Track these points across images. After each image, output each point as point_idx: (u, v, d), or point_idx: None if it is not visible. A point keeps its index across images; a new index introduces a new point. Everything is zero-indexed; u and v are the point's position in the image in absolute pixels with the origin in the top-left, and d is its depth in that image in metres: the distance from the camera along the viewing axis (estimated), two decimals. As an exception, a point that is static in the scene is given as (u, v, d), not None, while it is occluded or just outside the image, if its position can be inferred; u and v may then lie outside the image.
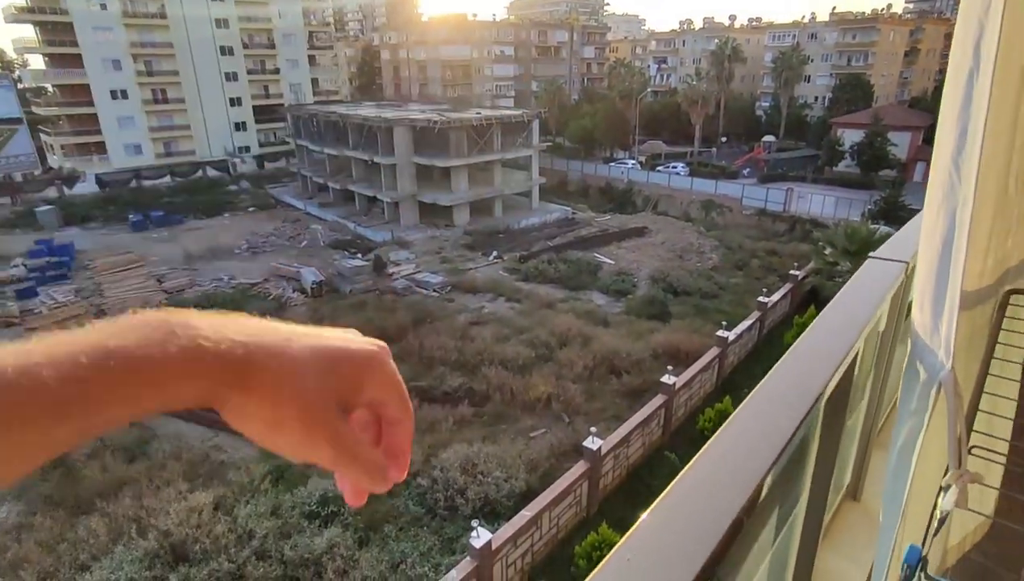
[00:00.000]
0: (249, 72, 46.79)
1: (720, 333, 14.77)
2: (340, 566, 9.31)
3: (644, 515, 0.78)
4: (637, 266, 24.06)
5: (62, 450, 0.34)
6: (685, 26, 78.27)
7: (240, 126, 46.65)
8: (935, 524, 0.92)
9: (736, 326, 15.61)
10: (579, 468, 10.41)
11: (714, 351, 14.49)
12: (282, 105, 45.78)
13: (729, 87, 50.17)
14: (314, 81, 51.46)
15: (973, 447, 1.01)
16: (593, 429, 10.79)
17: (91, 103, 39.83)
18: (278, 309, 20.31)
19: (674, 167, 41.27)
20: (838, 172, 39.48)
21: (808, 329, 1.20)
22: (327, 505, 10.73)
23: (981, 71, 0.81)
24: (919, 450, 0.92)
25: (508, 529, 9.03)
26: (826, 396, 1.29)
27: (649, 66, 66.51)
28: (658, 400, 12.44)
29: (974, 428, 1.08)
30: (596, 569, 0.66)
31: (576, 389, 14.49)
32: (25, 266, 23.86)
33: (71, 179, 37.57)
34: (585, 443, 10.54)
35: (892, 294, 1.44)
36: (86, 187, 37.76)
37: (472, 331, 17.93)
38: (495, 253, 25.90)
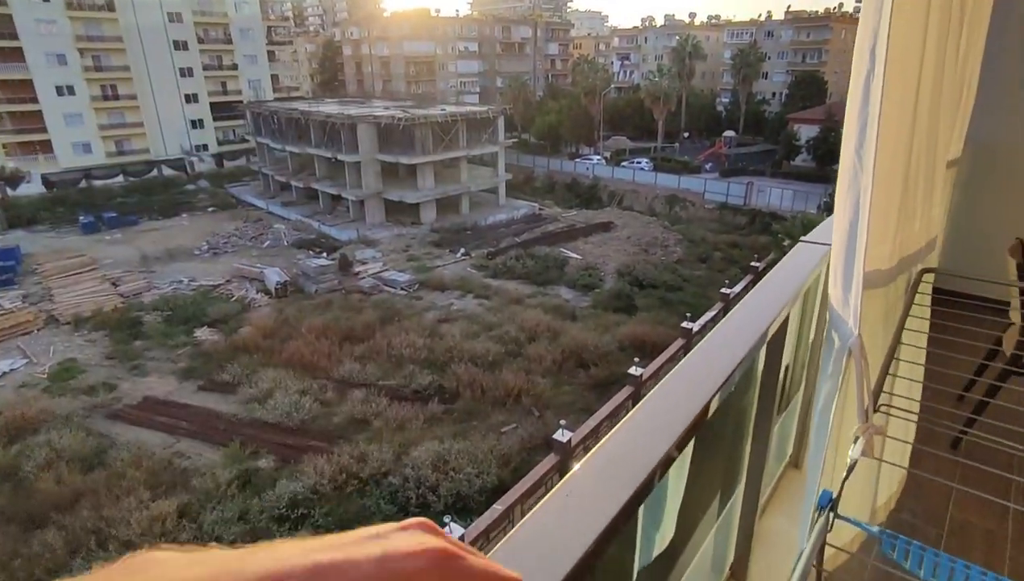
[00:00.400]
0: (205, 68, 45.34)
1: (684, 325, 15.09)
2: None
3: (582, 461, 0.86)
4: (603, 260, 24.36)
5: None
6: (647, 23, 79.27)
7: (197, 124, 45.21)
8: (846, 472, 1.01)
9: (700, 318, 15.98)
10: (549, 461, 10.51)
11: (679, 342, 14.78)
12: (241, 102, 44.59)
13: (690, 83, 51.07)
14: (274, 77, 50.26)
15: (883, 405, 1.10)
16: (563, 422, 10.92)
17: (35, 99, 38.00)
18: (241, 310, 19.86)
19: (638, 162, 41.84)
20: (795, 166, 40.65)
21: (738, 305, 1.30)
22: (297, 508, 10.60)
23: (875, 73, 0.90)
24: (835, 409, 1.02)
25: (480, 524, 9.07)
26: (760, 366, 1.39)
27: (612, 63, 67.19)
28: (625, 392, 12.65)
29: (888, 390, 1.18)
30: (539, 504, 0.73)
31: (545, 383, 14.63)
32: (-33, 272, 22.73)
33: (14, 179, 35.81)
34: (555, 436, 10.67)
35: (817, 274, 1.55)
36: (31, 188, 36.05)
37: (441, 328, 17.90)
38: (463, 250, 25.85)
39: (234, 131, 46.43)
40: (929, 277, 1.54)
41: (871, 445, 1.03)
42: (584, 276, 22.63)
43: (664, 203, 34.98)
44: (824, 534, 0.89)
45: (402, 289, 21.36)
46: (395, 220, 30.48)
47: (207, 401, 14.66)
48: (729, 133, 47.29)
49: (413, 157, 30.11)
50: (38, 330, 18.74)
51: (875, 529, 0.94)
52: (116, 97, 41.25)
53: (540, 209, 33.70)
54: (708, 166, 41.66)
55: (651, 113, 47.24)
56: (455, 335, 17.21)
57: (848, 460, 1.02)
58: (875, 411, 1.14)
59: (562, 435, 10.82)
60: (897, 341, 1.28)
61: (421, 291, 21.42)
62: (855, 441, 1.03)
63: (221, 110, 45.76)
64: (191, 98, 44.67)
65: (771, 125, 47.85)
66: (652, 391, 1.07)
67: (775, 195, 32.33)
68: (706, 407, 1.03)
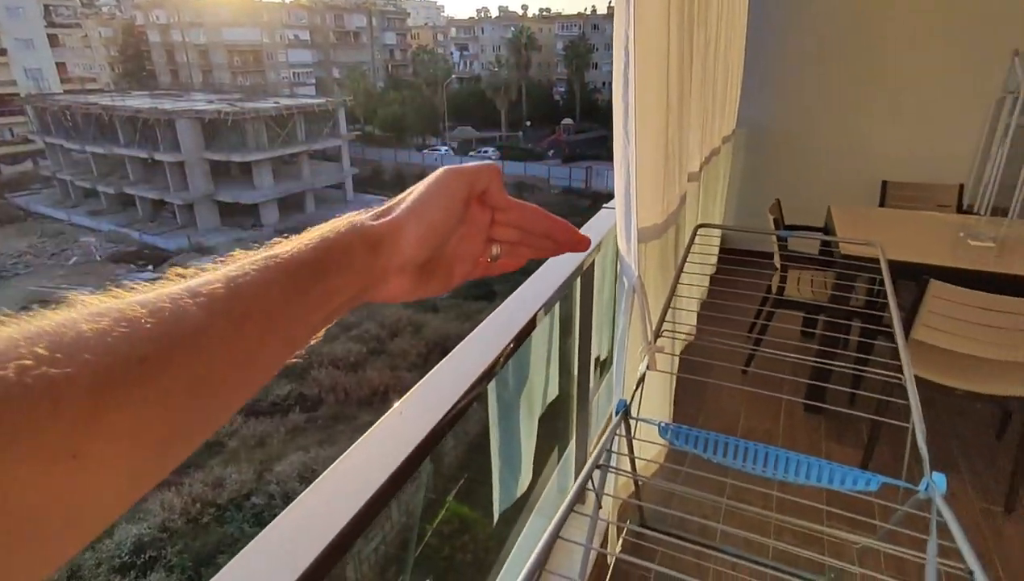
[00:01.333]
0: (-36, 55, 37.61)
1: (540, 304, 15.96)
2: (168, 613, 8.38)
3: (417, 385, 0.99)
4: (460, 250, 24.68)
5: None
6: (482, 14, 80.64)
7: (-41, 123, 37.45)
8: (636, 384, 1.25)
9: (554, 296, 17.00)
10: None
11: (537, 321, 15.62)
12: (17, 95, 37.70)
13: (528, 74, 53.18)
14: (60, 66, 43.14)
15: (665, 330, 1.37)
16: (432, 412, 11.03)
17: None
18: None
19: (485, 151, 42.80)
20: (626, 150, 44.26)
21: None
22: (143, 552, 9.51)
23: (629, 65, 1.11)
24: (630, 336, 1.25)
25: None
26: (578, 302, 1.64)
27: (452, 53, 67.48)
28: (491, 374, 13.10)
29: (669, 319, 1.46)
30: (374, 426, 0.84)
31: (412, 377, 14.58)
32: None
33: None
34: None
35: (611, 233, 1.86)
36: None
37: (296, 334, 16.95)
38: (312, 250, 24.57)
39: (11, 130, 39.13)
40: (704, 230, 1.89)
41: (654, 360, 1.28)
42: (442, 267, 22.76)
43: (513, 190, 36.01)
44: (615, 434, 1.10)
45: (248, 297, 19.79)
46: (233, 223, 28.01)
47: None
48: (567, 121, 50.14)
49: (246, 154, 27.81)
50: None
51: (657, 420, 1.17)
52: None
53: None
54: (551, 153, 43.87)
55: (494, 103, 48.46)
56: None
57: (638, 373, 1.26)
58: (659, 335, 1.41)
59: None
60: (676, 282, 1.57)
61: (270, 297, 20.03)
62: (643, 359, 1.27)
63: (-8, 106, 38.26)
64: (-52, 92, 36.82)
65: (604, 112, 51.57)
66: (485, 318, 1.24)
67: (612, 177, 35.05)
68: (533, 319, 1.21)
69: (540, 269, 1.47)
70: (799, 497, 1.09)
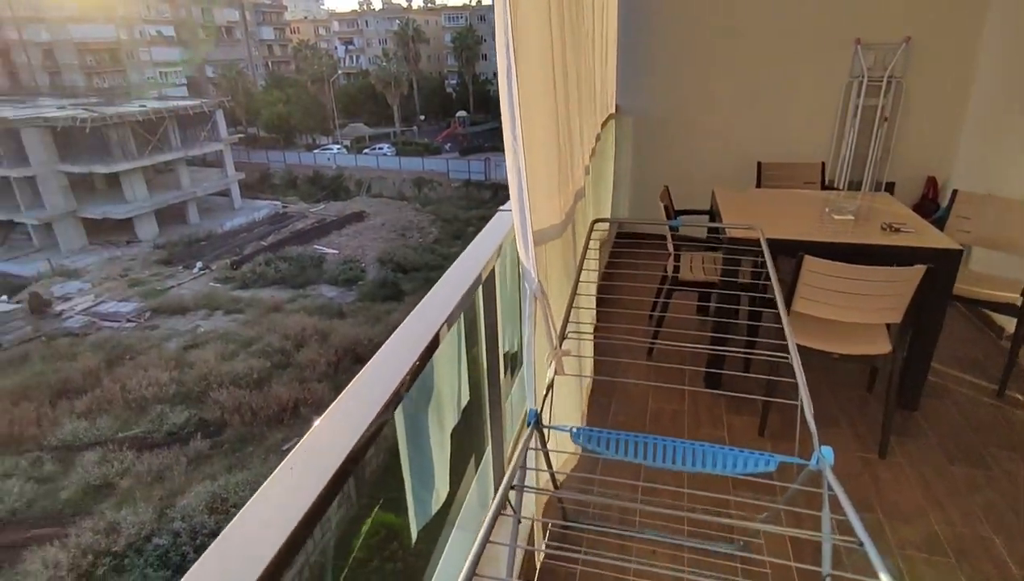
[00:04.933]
0: None
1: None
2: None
3: (306, 435, 0.91)
4: (362, 251, 23.93)
5: None
6: (365, 7, 78.10)
7: None
8: (545, 390, 1.24)
9: (463, 291, 16.94)
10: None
11: (448, 318, 15.50)
12: None
13: (418, 67, 52.29)
14: None
15: (571, 332, 1.37)
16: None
17: None
18: None
19: (380, 148, 41.66)
20: (523, 140, 44.84)
21: (453, 265, 1.48)
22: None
23: (511, 66, 1.08)
24: (536, 343, 1.23)
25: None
26: (481, 312, 1.61)
27: (336, 48, 64.85)
28: (406, 376, 12.85)
29: (573, 319, 1.46)
30: (265, 484, 0.76)
31: (323, 386, 13.98)
32: None
33: None
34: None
35: (513, 236, 1.85)
36: None
37: (190, 356, 15.67)
38: (200, 264, 22.79)
39: None
40: (600, 225, 1.93)
41: (561, 365, 1.27)
42: (345, 270, 21.95)
43: (412, 186, 35.60)
44: (527, 448, 1.09)
45: (128, 321, 18.02)
46: (103, 241, 25.30)
47: None
48: (462, 113, 49.92)
49: (112, 165, 25.19)
50: None
51: (567, 427, 1.18)
52: None
53: (284, 207, 31.39)
54: (448, 146, 43.53)
55: (384, 98, 47.23)
56: (209, 360, 15.26)
57: (547, 379, 1.25)
58: (564, 338, 1.41)
59: (350, 435, 10.58)
60: (578, 280, 1.59)
61: (155, 319, 18.35)
62: (550, 365, 1.27)
63: None
64: None
65: (497, 103, 51.78)
66: (386, 341, 1.17)
67: (511, 168, 35.36)
68: (436, 336, 1.16)
69: (439, 283, 1.42)
70: (700, 490, 1.13)
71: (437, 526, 1.94)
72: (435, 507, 1.84)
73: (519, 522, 1.12)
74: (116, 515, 10.15)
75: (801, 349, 2.55)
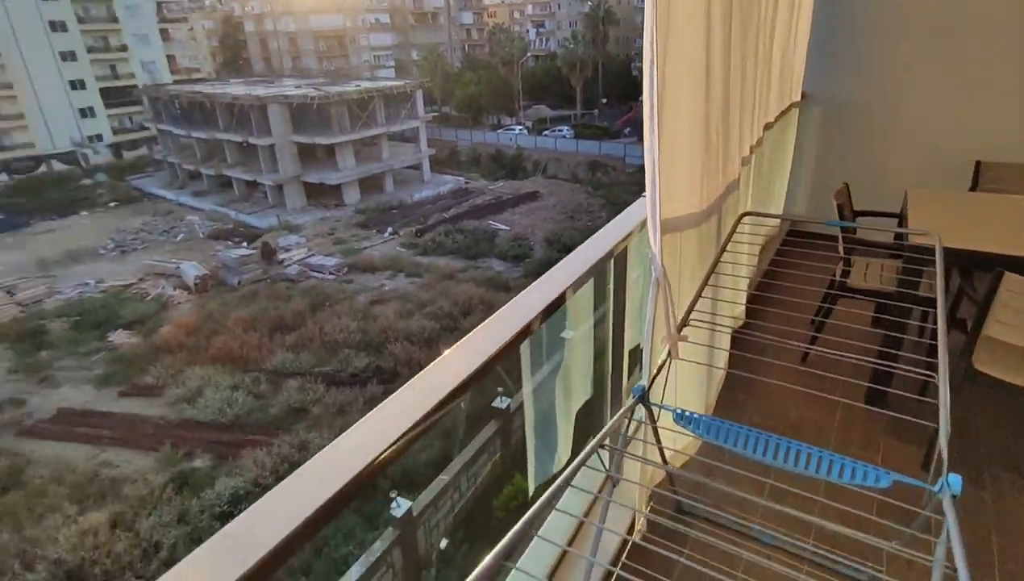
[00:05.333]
0: (90, 50, 41.51)
1: (611, 286, 15.79)
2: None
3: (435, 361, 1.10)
4: (532, 230, 24.76)
5: None
6: (560, -11, 78.91)
7: (87, 112, 41.54)
8: (656, 369, 1.30)
9: (625, 278, 16.73)
10: (491, 428, 10.89)
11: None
12: (136, 86, 41.28)
13: (605, 49, 51.76)
14: (170, 58, 46.73)
15: (699, 321, 1.40)
16: (500, 389, 11.29)
17: None
18: (160, 309, 18.87)
19: (560, 130, 42.33)
20: (708, 126, 42.28)
21: (592, 237, 1.58)
22: (239, 503, 10.48)
23: (652, 63, 1.15)
24: (655, 323, 1.30)
25: (427, 496, 9.35)
26: (611, 283, 1.70)
27: (528, 31, 66.75)
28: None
29: (706, 309, 1.49)
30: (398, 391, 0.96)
31: (482, 354, 14.95)
32: None
33: None
34: (494, 403, 11.02)
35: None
36: None
37: (374, 310, 17.78)
38: (390, 229, 25.52)
39: (131, 118, 43.02)
40: (748, 218, 1.87)
41: (676, 349, 1.32)
42: (514, 247, 22.95)
43: (587, 169, 35.69)
44: (625, 417, 1.17)
45: (331, 274, 20.94)
46: (317, 203, 29.56)
47: (131, 407, 14.00)
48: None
49: (330, 137, 29.15)
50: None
51: (672, 408, 1.22)
52: (-13, 87, 37.21)
53: (466, 183, 33.59)
54: (627, 131, 42.70)
55: (569, 81, 47.68)
56: (389, 315, 17.16)
57: (659, 359, 1.31)
58: (687, 325, 1.45)
59: (501, 402, 11.22)
60: (711, 271, 1.58)
61: (351, 274, 21.08)
62: (664, 348, 1.32)
63: (114, 96, 42.18)
64: (77, 84, 40.90)
65: (684, 87, 49.33)
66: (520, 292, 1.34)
67: (690, 155, 33.67)
68: (562, 294, 1.29)
69: (575, 251, 1.53)
70: (840, 503, 1.12)
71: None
72: (555, 467, 1.99)
73: (616, 483, 1.21)
74: (307, 435, 12.07)
75: (990, 380, 2.21)
